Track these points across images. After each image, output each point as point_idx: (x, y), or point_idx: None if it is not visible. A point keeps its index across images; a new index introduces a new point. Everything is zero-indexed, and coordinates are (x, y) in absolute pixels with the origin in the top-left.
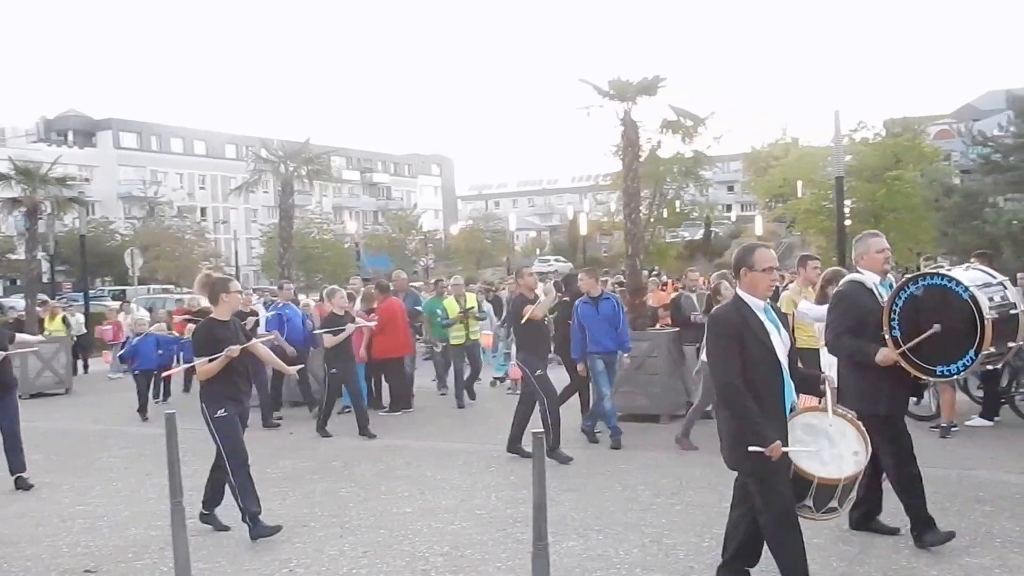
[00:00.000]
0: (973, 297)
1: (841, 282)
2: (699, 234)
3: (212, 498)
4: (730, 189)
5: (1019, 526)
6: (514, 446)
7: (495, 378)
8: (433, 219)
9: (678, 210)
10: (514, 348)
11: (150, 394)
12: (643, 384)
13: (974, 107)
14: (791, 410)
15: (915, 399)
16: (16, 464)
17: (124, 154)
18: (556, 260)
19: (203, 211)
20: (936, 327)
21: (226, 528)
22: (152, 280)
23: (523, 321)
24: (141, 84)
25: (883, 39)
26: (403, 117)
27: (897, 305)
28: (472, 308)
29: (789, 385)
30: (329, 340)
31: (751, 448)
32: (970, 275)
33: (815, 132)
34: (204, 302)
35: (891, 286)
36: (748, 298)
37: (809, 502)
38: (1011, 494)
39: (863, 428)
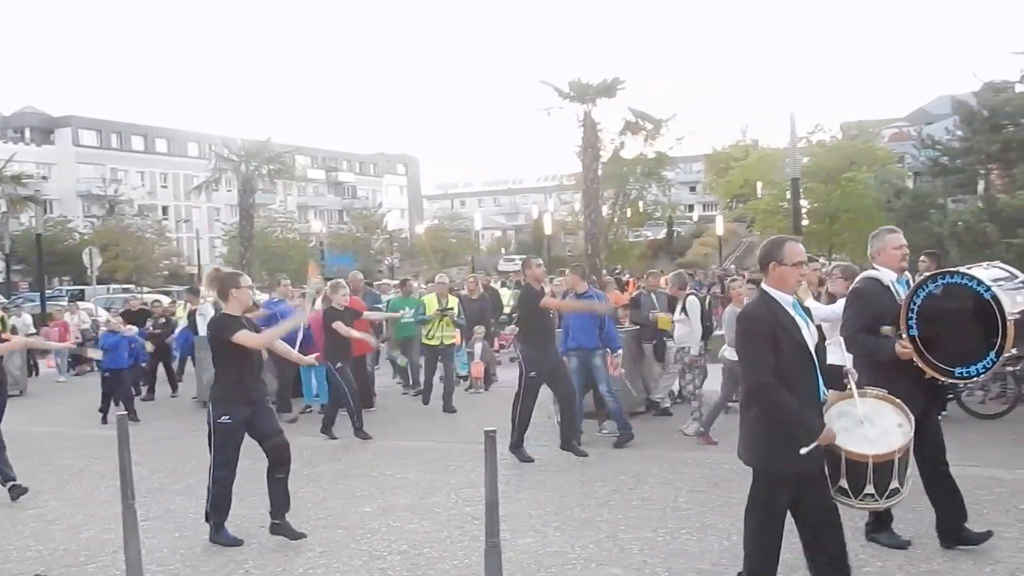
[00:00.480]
0: (995, 297)
1: (857, 279)
2: (662, 234)
3: (279, 505)
4: (692, 190)
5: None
6: (516, 448)
7: (458, 376)
8: (399, 218)
9: (641, 210)
10: (478, 347)
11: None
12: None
13: (926, 111)
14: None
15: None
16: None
17: (83, 152)
18: (521, 259)
19: (165, 210)
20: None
21: (302, 535)
22: (112, 280)
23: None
24: (101, 81)
25: (842, 43)
26: (369, 117)
27: (915, 304)
28: (451, 309)
29: (822, 379)
30: (343, 330)
31: (803, 450)
32: (991, 273)
33: (774, 134)
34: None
35: (908, 284)
36: (776, 293)
37: (870, 489)
38: (962, 487)
39: (898, 400)
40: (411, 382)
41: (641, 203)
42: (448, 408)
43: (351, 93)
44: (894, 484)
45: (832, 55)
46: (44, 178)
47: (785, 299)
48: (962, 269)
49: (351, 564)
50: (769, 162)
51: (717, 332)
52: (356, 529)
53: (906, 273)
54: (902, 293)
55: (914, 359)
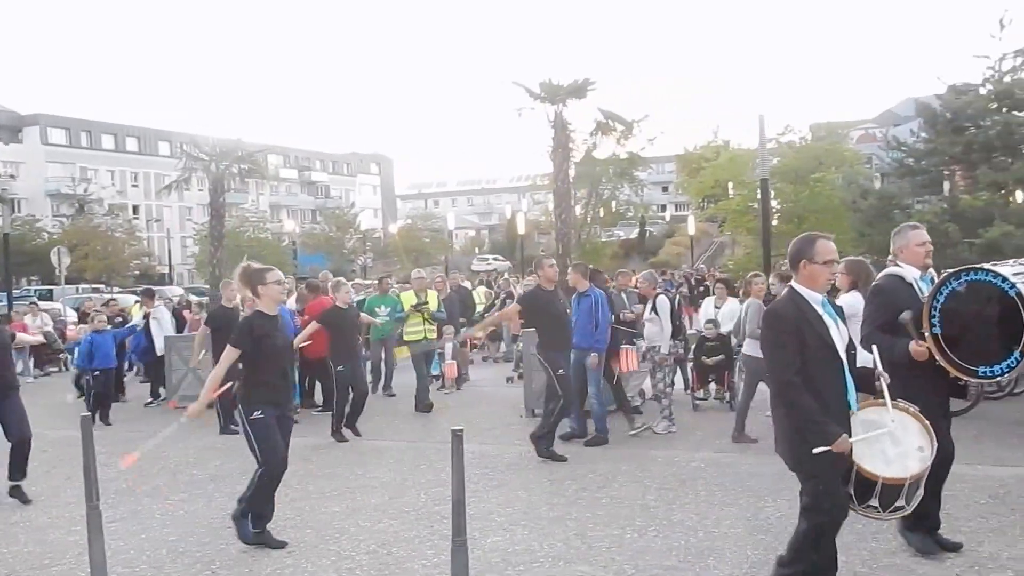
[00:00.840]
0: (1020, 294)
1: (879, 276)
2: (634, 233)
3: (262, 513)
4: (664, 190)
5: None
6: (547, 450)
7: (431, 376)
8: (372, 218)
9: (614, 210)
10: (449, 348)
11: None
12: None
13: (894, 112)
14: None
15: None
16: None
17: (52, 150)
18: (495, 259)
19: (135, 209)
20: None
21: (282, 544)
22: (81, 280)
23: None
24: (71, 79)
25: (813, 45)
26: (343, 116)
27: (938, 301)
28: (427, 304)
29: (850, 380)
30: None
31: (816, 450)
32: (1016, 269)
33: (745, 135)
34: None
35: (932, 281)
36: (805, 291)
37: (875, 502)
38: None
39: (927, 422)
40: (385, 384)
41: (614, 203)
42: (422, 407)
43: (325, 93)
44: (900, 503)
45: (804, 57)
46: (12, 176)
47: (815, 297)
48: (987, 265)
49: (319, 564)
50: (740, 163)
51: (690, 331)
52: (325, 529)
53: (931, 270)
54: (925, 290)
55: (937, 358)
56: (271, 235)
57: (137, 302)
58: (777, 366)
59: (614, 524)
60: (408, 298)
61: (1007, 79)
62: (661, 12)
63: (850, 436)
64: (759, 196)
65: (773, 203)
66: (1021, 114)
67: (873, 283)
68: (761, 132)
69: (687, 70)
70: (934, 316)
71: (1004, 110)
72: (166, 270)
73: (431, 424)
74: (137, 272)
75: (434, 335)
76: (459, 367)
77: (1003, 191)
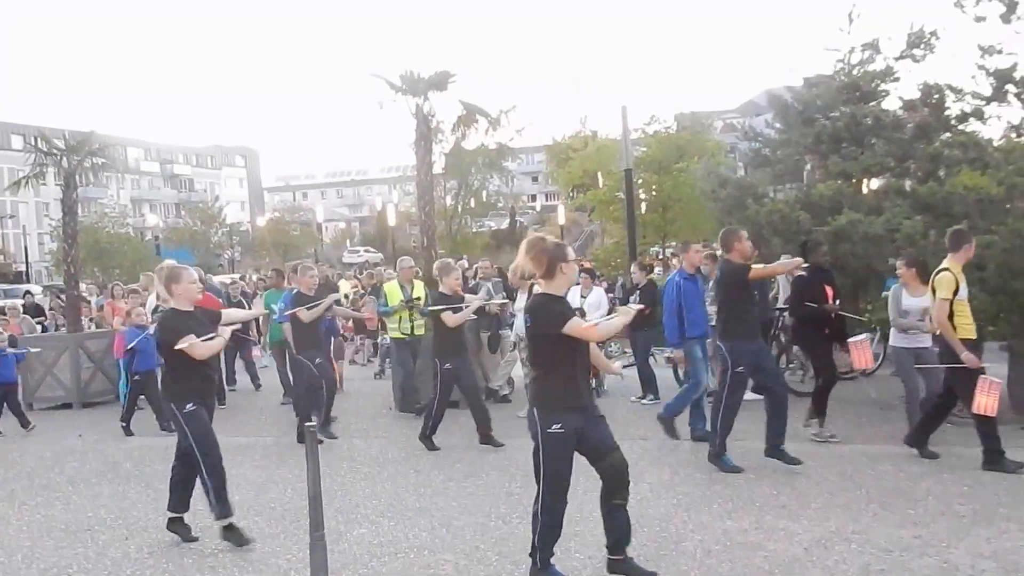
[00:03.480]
0: None
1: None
2: (505, 224)
3: (179, 504)
4: (534, 180)
5: (775, 490)
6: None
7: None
8: (238, 211)
9: (484, 200)
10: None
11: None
12: None
13: (755, 103)
14: None
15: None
16: None
17: None
18: (366, 251)
19: None
20: None
21: (194, 539)
22: None
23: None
24: None
25: (680, 34)
26: (207, 108)
27: None
28: (418, 299)
29: None
30: (450, 319)
31: None
32: None
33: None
34: None
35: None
36: None
37: None
38: (772, 462)
39: None
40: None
41: (484, 193)
42: (412, 408)
43: (188, 84)
44: None
45: (670, 46)
46: None
47: None
48: None
49: (181, 564)
50: (608, 152)
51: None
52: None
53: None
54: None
55: None
56: (132, 230)
57: None
58: None
59: (479, 513)
60: (392, 290)
61: (856, 71)
62: (526, 5)
63: None
64: (624, 186)
65: (639, 193)
66: (867, 107)
67: None
68: (624, 123)
69: (554, 61)
70: None
71: (851, 103)
72: (22, 268)
73: (293, 420)
74: None
75: (422, 331)
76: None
77: (852, 180)
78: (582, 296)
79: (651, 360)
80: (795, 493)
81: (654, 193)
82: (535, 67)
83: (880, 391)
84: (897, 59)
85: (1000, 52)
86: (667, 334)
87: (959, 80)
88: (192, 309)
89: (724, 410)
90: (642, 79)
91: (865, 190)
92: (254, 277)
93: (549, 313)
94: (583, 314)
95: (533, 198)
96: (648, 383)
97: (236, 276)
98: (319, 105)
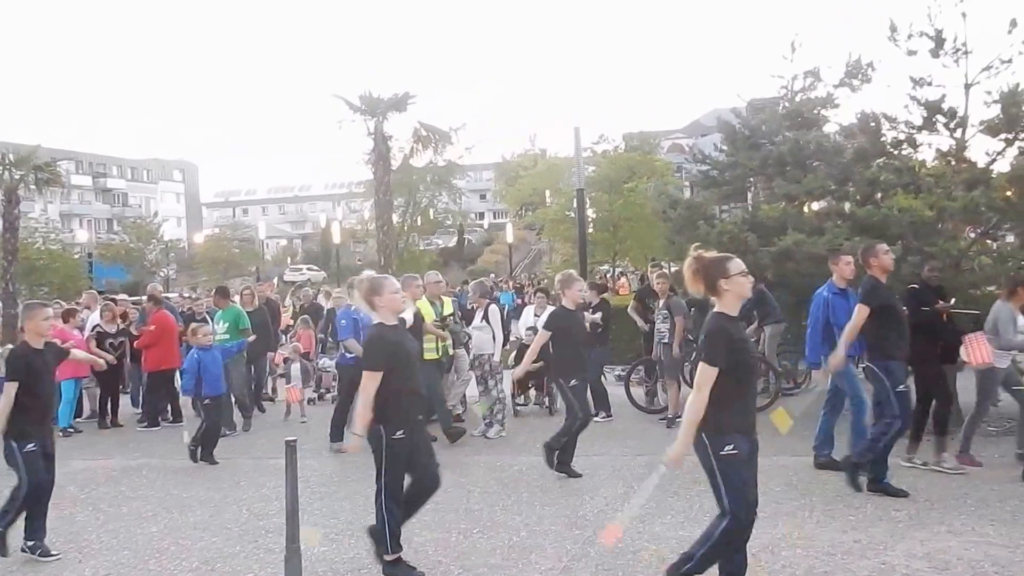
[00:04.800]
0: None
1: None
2: (453, 241)
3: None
4: (483, 197)
5: None
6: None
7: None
8: (175, 227)
9: (432, 218)
10: (294, 368)
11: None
12: None
13: (701, 123)
14: None
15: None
16: None
17: None
18: (309, 269)
19: None
20: None
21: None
22: None
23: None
24: None
25: (629, 55)
26: (141, 120)
27: None
28: (451, 315)
29: None
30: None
31: None
32: None
33: (562, 143)
34: None
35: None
36: None
37: None
38: None
39: None
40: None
41: (432, 211)
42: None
43: (120, 94)
44: None
45: (618, 66)
46: None
47: None
48: None
49: None
50: (557, 171)
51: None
52: (143, 550)
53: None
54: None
55: None
56: (63, 247)
57: None
58: None
59: (439, 528)
60: (425, 308)
61: (798, 98)
62: (481, 26)
63: None
64: (575, 205)
65: (589, 212)
66: (810, 133)
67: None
68: (577, 143)
69: (505, 79)
70: None
71: (794, 128)
72: None
73: (248, 441)
74: None
75: (450, 350)
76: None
77: (796, 202)
78: (536, 315)
79: (603, 378)
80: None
81: (605, 212)
82: (484, 83)
83: (819, 406)
84: (836, 87)
85: (930, 84)
86: (809, 352)
87: (893, 109)
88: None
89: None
90: (591, 97)
91: (808, 212)
92: (188, 295)
93: (726, 338)
94: (536, 333)
95: (481, 216)
96: (600, 400)
97: (191, 293)
98: (261, 118)
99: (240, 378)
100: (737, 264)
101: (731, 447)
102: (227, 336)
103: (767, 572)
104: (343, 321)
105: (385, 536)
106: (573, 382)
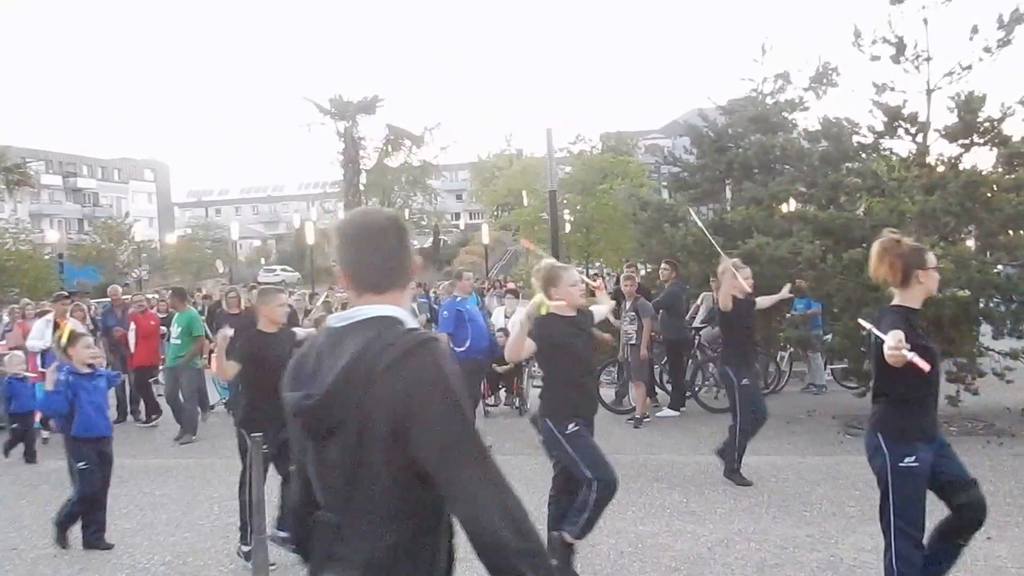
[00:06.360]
0: None
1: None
2: (428, 242)
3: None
4: (458, 198)
5: (685, 498)
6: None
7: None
8: (147, 227)
9: (407, 218)
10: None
11: None
12: None
13: (679, 123)
14: None
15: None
16: None
17: None
18: (283, 270)
19: None
20: None
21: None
22: None
23: None
24: None
25: (607, 55)
26: (112, 119)
27: None
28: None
29: None
30: None
31: None
32: None
33: (537, 144)
34: None
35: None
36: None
37: None
38: (684, 473)
39: None
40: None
41: (407, 211)
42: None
43: (91, 94)
44: None
45: (595, 66)
46: None
47: None
48: None
49: None
50: (533, 172)
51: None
52: (117, 545)
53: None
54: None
55: None
56: (32, 247)
57: None
58: None
59: None
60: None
61: (768, 100)
62: (454, 25)
63: None
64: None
65: (564, 213)
66: (775, 137)
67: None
68: (549, 145)
69: (480, 76)
70: None
71: (761, 132)
72: None
73: (217, 441)
74: None
75: None
76: None
77: (763, 205)
78: (506, 316)
79: None
80: (703, 500)
81: (579, 214)
82: (460, 83)
83: (784, 406)
84: (805, 90)
85: (892, 89)
86: None
87: (857, 114)
88: None
89: None
90: (569, 95)
91: (778, 215)
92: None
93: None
94: (507, 334)
95: (457, 216)
96: None
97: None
98: (234, 118)
99: (190, 385)
100: (933, 258)
101: (911, 459)
102: (179, 341)
103: (721, 564)
104: (445, 313)
105: None
106: (744, 380)
